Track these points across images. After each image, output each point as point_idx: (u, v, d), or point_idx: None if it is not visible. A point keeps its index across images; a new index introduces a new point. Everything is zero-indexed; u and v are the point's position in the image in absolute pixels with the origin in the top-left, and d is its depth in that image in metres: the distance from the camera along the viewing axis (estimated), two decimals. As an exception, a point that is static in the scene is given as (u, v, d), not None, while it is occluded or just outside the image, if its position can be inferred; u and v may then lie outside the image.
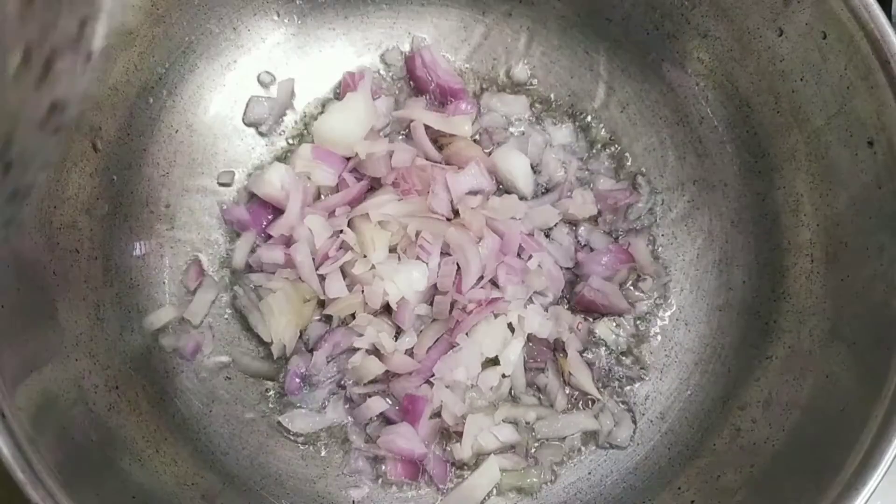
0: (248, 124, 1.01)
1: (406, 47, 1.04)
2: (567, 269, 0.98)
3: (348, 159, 0.98)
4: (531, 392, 0.96)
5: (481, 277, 0.92)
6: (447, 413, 0.91)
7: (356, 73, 1.01)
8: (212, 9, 0.96)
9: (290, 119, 1.03)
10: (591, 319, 0.98)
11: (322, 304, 0.94)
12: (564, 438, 0.95)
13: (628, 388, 0.97)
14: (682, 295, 0.99)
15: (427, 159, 0.97)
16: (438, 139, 1.00)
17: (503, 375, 0.92)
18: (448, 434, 0.93)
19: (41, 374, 0.77)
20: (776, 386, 0.88)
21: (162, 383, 0.91)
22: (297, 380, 0.93)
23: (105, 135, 0.90)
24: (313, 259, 0.93)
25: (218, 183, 0.99)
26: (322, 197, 0.98)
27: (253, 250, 0.97)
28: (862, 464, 0.73)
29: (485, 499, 0.92)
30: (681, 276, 0.99)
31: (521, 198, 0.99)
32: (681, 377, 0.96)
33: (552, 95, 1.04)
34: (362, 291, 0.91)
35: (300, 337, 0.94)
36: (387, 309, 0.92)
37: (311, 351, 0.93)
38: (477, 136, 1.02)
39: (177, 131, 0.97)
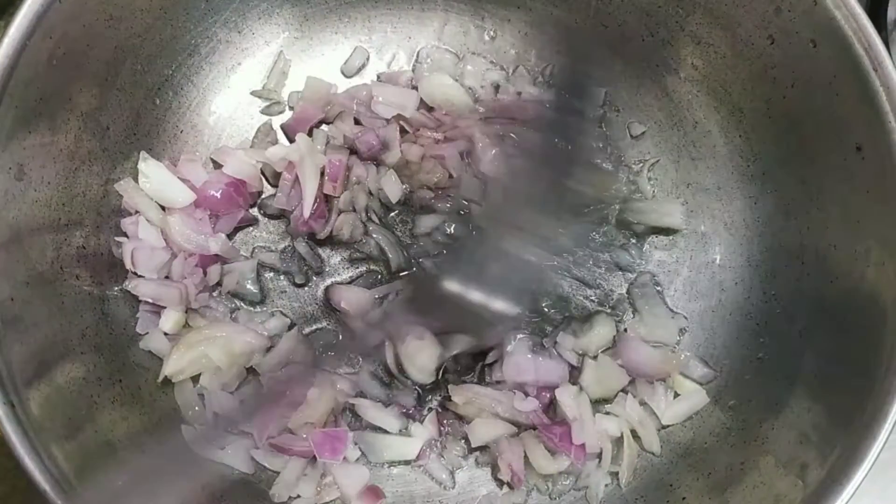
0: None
1: (403, 54, 1.06)
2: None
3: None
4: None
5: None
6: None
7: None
8: (218, 13, 0.98)
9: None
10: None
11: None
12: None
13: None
14: (675, 296, 1.00)
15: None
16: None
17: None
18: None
19: (48, 366, 0.79)
20: (766, 386, 0.90)
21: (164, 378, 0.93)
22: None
23: (112, 135, 0.92)
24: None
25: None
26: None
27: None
28: (848, 460, 0.74)
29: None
30: (674, 277, 1.01)
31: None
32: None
33: (550, 100, 1.06)
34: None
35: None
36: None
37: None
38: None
39: (182, 132, 0.99)
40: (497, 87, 1.04)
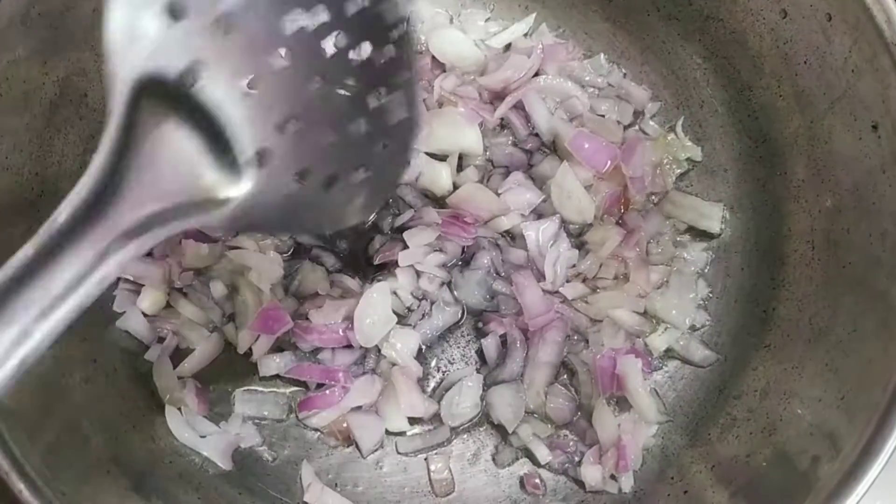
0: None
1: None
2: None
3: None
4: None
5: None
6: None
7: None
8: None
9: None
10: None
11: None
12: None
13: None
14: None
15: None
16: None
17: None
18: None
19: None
20: (774, 375, 0.86)
21: (142, 359, 0.89)
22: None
23: (91, 102, 0.87)
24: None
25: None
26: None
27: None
28: (861, 456, 0.70)
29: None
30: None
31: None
32: (675, 365, 0.94)
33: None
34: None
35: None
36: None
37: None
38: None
39: (164, 100, 0.95)
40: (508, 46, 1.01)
